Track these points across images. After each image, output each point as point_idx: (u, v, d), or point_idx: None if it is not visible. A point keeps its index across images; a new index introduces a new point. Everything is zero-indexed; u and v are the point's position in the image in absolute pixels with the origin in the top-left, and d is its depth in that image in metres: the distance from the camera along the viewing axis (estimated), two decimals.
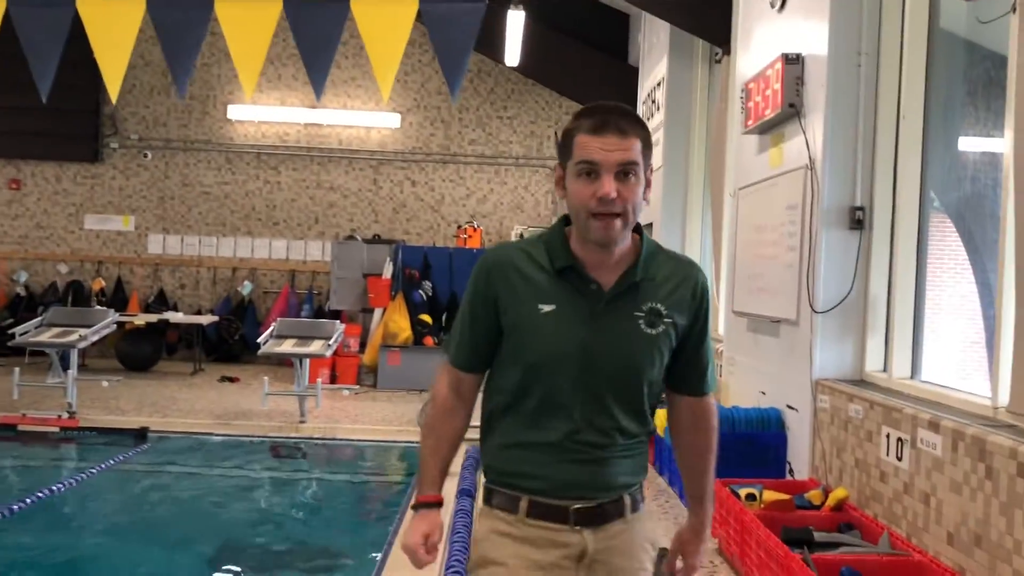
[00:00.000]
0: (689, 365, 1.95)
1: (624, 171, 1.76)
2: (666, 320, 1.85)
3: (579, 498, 1.84)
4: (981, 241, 3.93)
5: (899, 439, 3.71)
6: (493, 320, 1.88)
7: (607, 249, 1.83)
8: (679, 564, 1.98)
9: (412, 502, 1.94)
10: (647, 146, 1.80)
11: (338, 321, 8.78)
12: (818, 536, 3.64)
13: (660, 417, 2.16)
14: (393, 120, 12.71)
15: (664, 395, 2.02)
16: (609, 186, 1.74)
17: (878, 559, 3.38)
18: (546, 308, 1.82)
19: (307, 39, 5.94)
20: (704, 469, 1.98)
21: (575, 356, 1.82)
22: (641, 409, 1.90)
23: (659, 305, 1.85)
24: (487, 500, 1.93)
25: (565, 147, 1.82)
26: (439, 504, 1.91)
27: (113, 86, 6.18)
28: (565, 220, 1.92)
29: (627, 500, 1.90)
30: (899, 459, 3.72)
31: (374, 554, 4.82)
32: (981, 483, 3.09)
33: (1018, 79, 3.23)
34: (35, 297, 12.18)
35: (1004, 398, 3.32)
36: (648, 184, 1.83)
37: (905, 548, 3.52)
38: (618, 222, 1.78)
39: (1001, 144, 3.56)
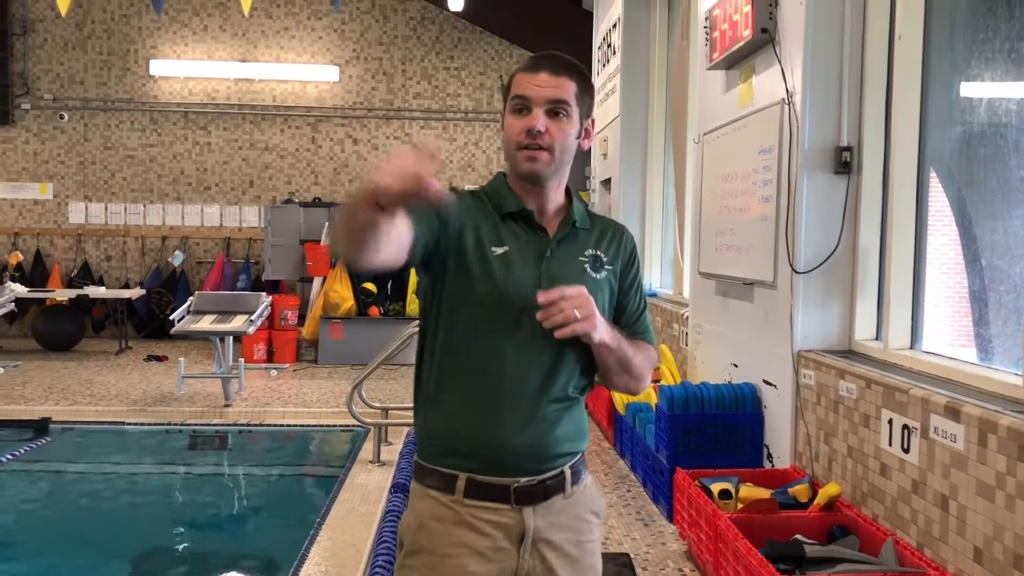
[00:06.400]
0: (618, 313, 1.92)
1: (554, 109, 1.75)
2: (607, 267, 1.87)
3: (520, 473, 1.76)
4: (976, 187, 3.22)
5: (905, 426, 3.03)
6: (441, 222, 1.70)
7: (534, 185, 1.80)
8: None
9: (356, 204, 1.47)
10: (584, 92, 1.79)
11: (264, 293, 7.92)
12: (810, 551, 2.96)
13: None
14: (331, 73, 11.76)
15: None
16: (538, 119, 1.74)
17: None
18: (498, 250, 1.77)
19: None
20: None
21: (526, 298, 1.71)
22: (587, 359, 1.83)
23: (599, 252, 1.88)
24: (420, 478, 1.81)
25: (507, 91, 1.83)
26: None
27: None
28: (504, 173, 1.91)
29: (568, 473, 1.83)
30: (905, 450, 3.05)
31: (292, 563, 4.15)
32: (1022, 489, 2.42)
33: None
34: None
35: None
36: (587, 134, 1.83)
37: (916, 562, 2.85)
38: (544, 154, 1.76)
39: None
